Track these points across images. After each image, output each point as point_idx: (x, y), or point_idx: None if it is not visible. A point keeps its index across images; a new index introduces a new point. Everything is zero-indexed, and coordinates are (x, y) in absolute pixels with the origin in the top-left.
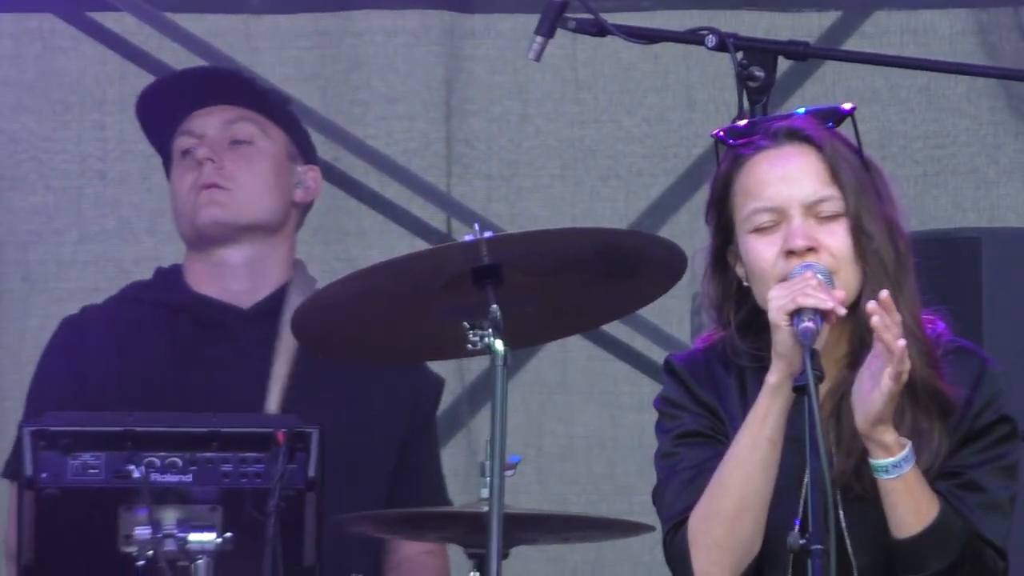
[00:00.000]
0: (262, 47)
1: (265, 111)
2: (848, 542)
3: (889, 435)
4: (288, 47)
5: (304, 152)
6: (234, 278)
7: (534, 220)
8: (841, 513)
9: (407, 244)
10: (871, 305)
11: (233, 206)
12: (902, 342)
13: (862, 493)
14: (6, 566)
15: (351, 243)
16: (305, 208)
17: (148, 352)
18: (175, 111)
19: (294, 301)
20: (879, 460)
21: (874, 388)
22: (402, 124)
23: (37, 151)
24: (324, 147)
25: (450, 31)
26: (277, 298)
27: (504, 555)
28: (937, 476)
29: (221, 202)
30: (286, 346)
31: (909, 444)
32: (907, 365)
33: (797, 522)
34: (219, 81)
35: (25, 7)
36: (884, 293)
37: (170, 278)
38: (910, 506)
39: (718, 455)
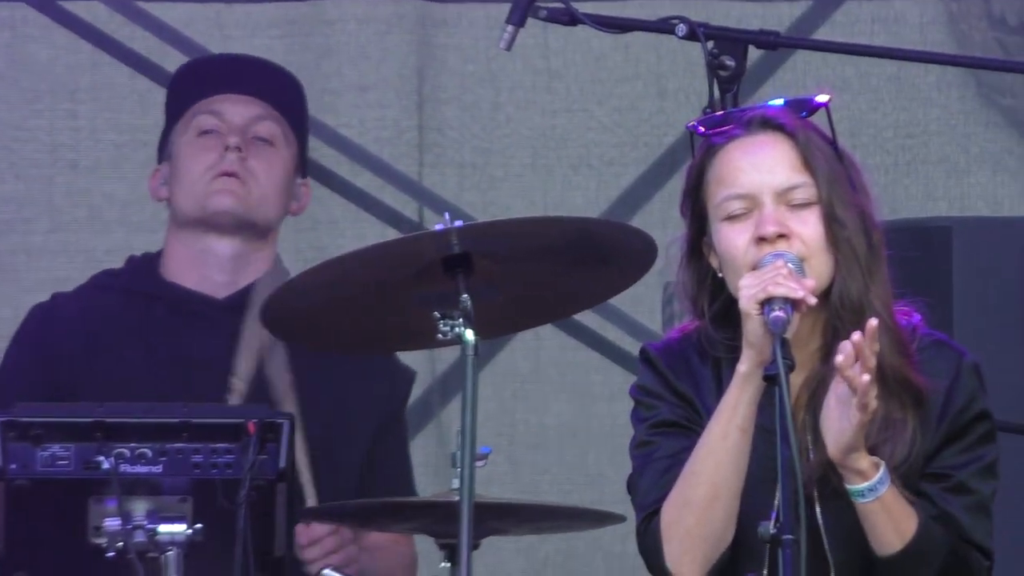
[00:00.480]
0: (233, 35)
1: (289, 117)
2: (824, 538)
3: (863, 461)
4: (259, 35)
5: (305, 164)
6: (218, 269)
7: (506, 209)
8: (818, 509)
9: (378, 233)
10: (855, 337)
11: (247, 199)
12: (866, 377)
13: (839, 487)
14: None
15: (323, 232)
16: None
17: (119, 340)
18: (204, 86)
19: (264, 292)
20: (855, 486)
21: (843, 417)
22: (374, 113)
23: (7, 140)
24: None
25: (422, 20)
26: (255, 290)
27: (475, 546)
28: (923, 477)
29: (237, 193)
30: (253, 335)
31: (883, 465)
32: (873, 395)
33: (774, 514)
34: (257, 73)
35: None
36: (872, 322)
37: (143, 266)
38: (889, 525)
39: (693, 445)
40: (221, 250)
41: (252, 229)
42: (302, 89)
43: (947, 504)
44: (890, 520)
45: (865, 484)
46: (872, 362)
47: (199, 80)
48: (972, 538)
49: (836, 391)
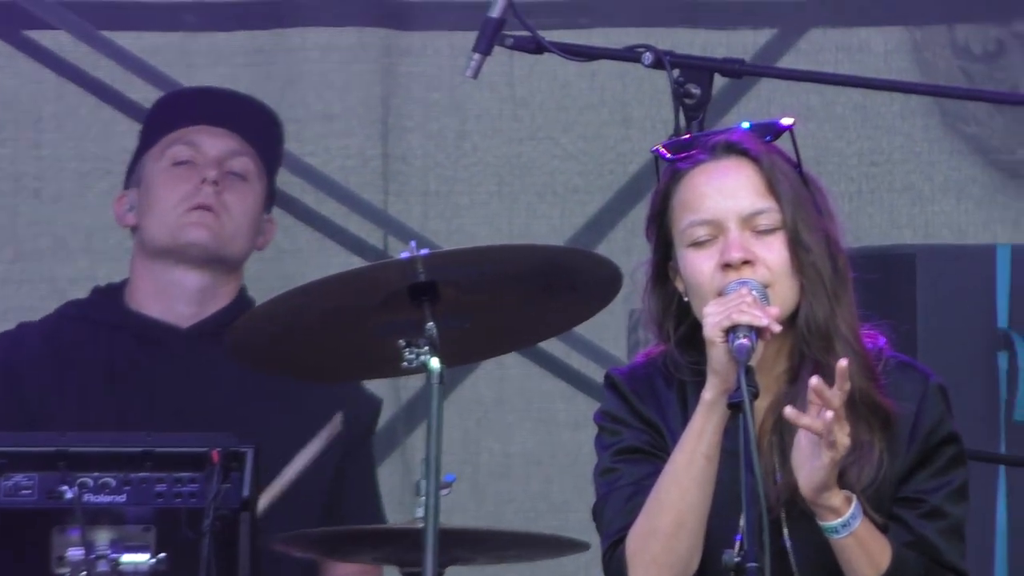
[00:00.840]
0: (198, 63)
1: (263, 153)
2: (792, 560)
3: (835, 498)
4: (224, 64)
5: (272, 199)
6: (184, 301)
7: (471, 237)
8: (785, 531)
9: (344, 262)
10: (813, 381)
11: (221, 234)
12: (829, 414)
13: (806, 509)
14: None
15: (288, 261)
16: None
17: (85, 370)
18: (182, 115)
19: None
20: (828, 523)
21: (813, 456)
22: (339, 141)
23: None
24: None
25: (387, 48)
26: (217, 320)
27: (439, 574)
28: (896, 502)
29: (211, 227)
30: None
31: (854, 499)
32: (845, 432)
33: (738, 538)
34: (236, 107)
35: None
36: (843, 363)
37: (108, 296)
38: (863, 559)
39: (658, 472)
40: (189, 282)
41: (222, 263)
42: (280, 126)
43: (922, 529)
44: (864, 553)
45: (838, 520)
46: (836, 402)
47: (177, 110)
48: (947, 562)
49: (805, 430)
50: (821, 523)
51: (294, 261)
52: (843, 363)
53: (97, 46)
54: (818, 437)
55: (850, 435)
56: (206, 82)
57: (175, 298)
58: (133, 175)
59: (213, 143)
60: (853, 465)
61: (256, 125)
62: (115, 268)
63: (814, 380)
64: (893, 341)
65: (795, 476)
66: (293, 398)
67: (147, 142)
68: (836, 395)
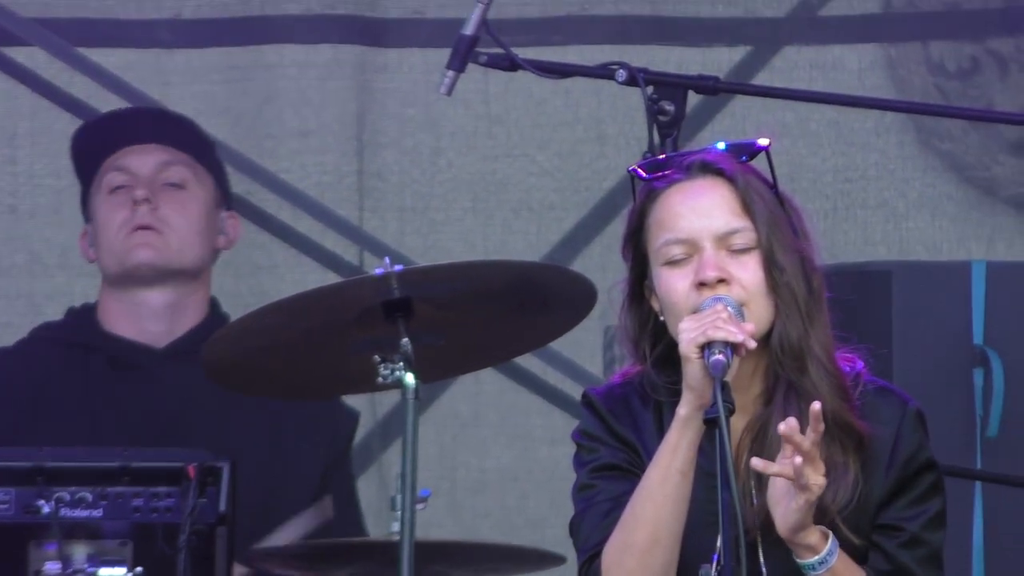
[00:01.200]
0: (173, 81)
1: (197, 155)
2: None
3: (812, 536)
4: (200, 81)
5: (227, 198)
6: (153, 319)
7: (447, 253)
8: (761, 554)
9: (319, 278)
10: (783, 427)
11: (166, 250)
12: (798, 459)
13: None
14: None
15: (263, 277)
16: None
17: (60, 393)
18: (106, 142)
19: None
20: (805, 560)
21: (788, 497)
22: (314, 158)
23: None
24: (236, 181)
25: (362, 65)
26: (191, 338)
27: None
28: (875, 530)
29: (154, 245)
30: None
31: (830, 536)
32: (820, 472)
33: (716, 557)
34: (155, 120)
35: None
36: (816, 406)
37: (82, 318)
38: None
39: (634, 489)
40: (152, 301)
41: (178, 276)
42: (199, 127)
43: (901, 558)
44: None
45: (815, 558)
46: (807, 445)
47: (102, 138)
48: None
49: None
50: (798, 560)
51: (270, 277)
52: (816, 406)
53: (72, 63)
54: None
55: (824, 457)
56: (183, 99)
57: (144, 318)
58: (87, 210)
59: (143, 161)
60: (828, 487)
61: (181, 132)
62: (91, 284)
63: (783, 426)
64: (871, 365)
65: (772, 517)
66: (271, 414)
67: (87, 177)
68: (807, 439)
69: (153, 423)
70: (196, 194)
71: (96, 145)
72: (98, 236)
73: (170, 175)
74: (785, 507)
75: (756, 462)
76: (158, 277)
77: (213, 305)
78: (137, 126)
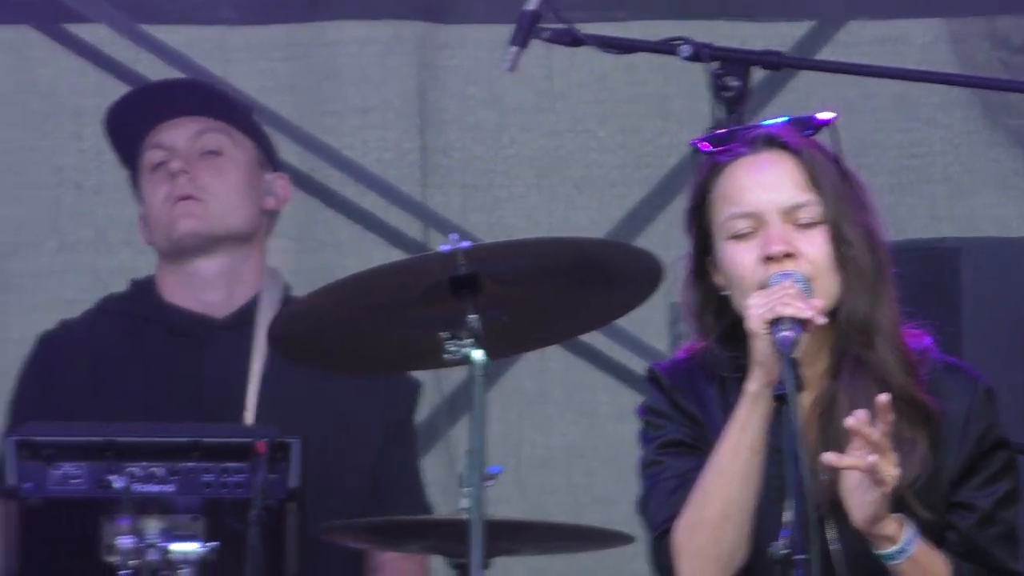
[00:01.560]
0: (236, 58)
1: (232, 120)
2: (838, 560)
3: (889, 527)
4: (262, 58)
5: (271, 159)
6: (209, 288)
7: (509, 230)
8: (829, 530)
9: (383, 254)
10: (851, 421)
11: (208, 217)
12: (871, 457)
13: None
14: None
15: (328, 253)
16: (275, 215)
17: (124, 365)
18: (141, 124)
19: (267, 309)
20: (885, 551)
21: (863, 490)
22: (376, 134)
23: (13, 162)
24: (299, 157)
25: (424, 41)
26: (251, 307)
27: (486, 565)
28: (949, 509)
29: (196, 214)
30: (260, 355)
31: (907, 523)
32: (893, 464)
33: (785, 533)
34: (185, 92)
35: (1, 19)
36: (882, 397)
37: (145, 290)
38: None
39: (701, 464)
40: (205, 270)
41: (227, 242)
42: (230, 93)
43: (976, 538)
44: (922, 574)
45: (894, 548)
46: (876, 437)
47: (136, 119)
48: (1005, 567)
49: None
50: (877, 551)
51: (334, 254)
52: (883, 398)
53: (136, 39)
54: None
55: (891, 433)
56: (246, 75)
57: (200, 288)
58: (137, 193)
59: (176, 134)
60: (897, 464)
61: (213, 100)
62: (154, 260)
63: (851, 420)
64: (938, 342)
65: (848, 510)
66: (331, 387)
67: (131, 160)
68: (876, 431)
69: (212, 393)
70: (234, 158)
71: (132, 128)
72: (147, 215)
73: (205, 143)
74: (860, 499)
75: (828, 457)
76: (205, 245)
77: (272, 275)
78: (165, 101)
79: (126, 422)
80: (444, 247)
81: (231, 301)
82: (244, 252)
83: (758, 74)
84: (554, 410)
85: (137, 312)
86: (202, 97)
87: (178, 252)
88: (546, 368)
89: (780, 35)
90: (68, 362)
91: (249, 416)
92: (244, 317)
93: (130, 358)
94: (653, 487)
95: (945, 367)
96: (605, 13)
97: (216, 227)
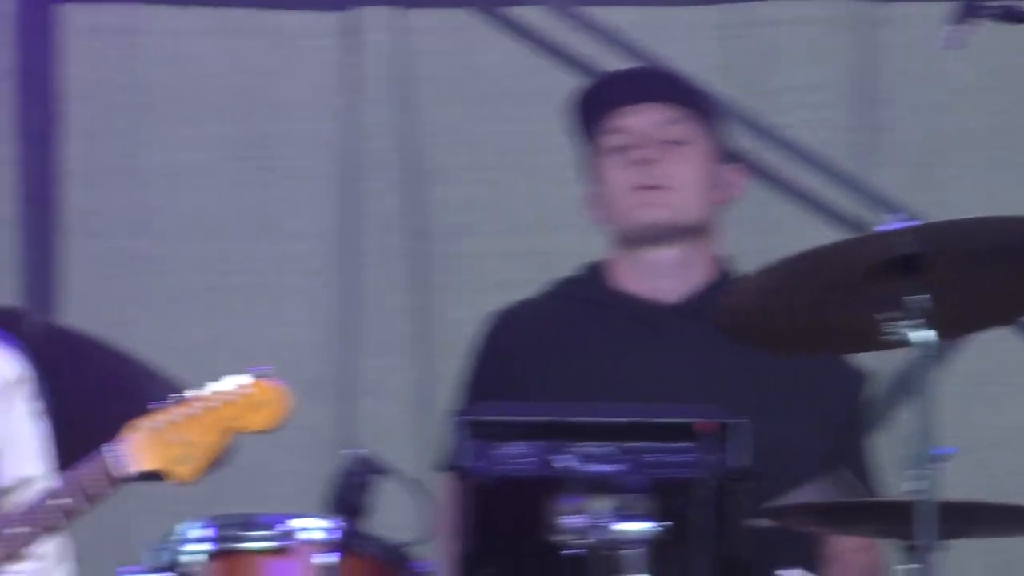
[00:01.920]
0: (672, 38)
1: (695, 110)
2: None
3: None
4: (698, 38)
5: (726, 152)
6: (665, 277)
7: (951, 210)
8: None
9: (821, 234)
10: None
11: (673, 207)
12: None
13: None
14: (440, 554)
15: (768, 234)
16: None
17: (578, 349)
18: (602, 106)
19: (716, 296)
20: None
21: None
22: (816, 113)
23: (460, 144)
24: (737, 138)
25: (862, 19)
26: (704, 295)
27: (940, 547)
28: None
29: (663, 203)
30: (709, 340)
31: None
32: None
33: None
34: (650, 79)
35: (447, 3)
36: None
37: (592, 275)
38: None
39: None
40: (663, 259)
41: (685, 233)
42: (694, 82)
43: None
44: None
45: None
46: None
47: (598, 101)
48: None
49: None
50: None
51: (774, 234)
52: None
53: (576, 21)
54: None
55: None
56: (683, 56)
57: (656, 276)
58: (588, 172)
59: (639, 121)
60: None
61: (677, 89)
62: (602, 243)
63: None
64: None
65: None
66: (782, 377)
67: (585, 139)
68: None
69: (663, 380)
70: (697, 150)
71: (592, 108)
72: (606, 199)
73: (670, 133)
74: None
75: None
76: (667, 235)
77: (725, 263)
78: (632, 87)
79: (574, 403)
80: (887, 226)
81: (683, 289)
82: (698, 243)
83: None
84: (1003, 391)
85: (589, 297)
86: (667, 85)
87: (639, 239)
88: (989, 348)
89: None
90: (518, 341)
91: (694, 398)
92: (695, 304)
93: (585, 341)
94: None
95: None
96: None
97: (678, 218)
